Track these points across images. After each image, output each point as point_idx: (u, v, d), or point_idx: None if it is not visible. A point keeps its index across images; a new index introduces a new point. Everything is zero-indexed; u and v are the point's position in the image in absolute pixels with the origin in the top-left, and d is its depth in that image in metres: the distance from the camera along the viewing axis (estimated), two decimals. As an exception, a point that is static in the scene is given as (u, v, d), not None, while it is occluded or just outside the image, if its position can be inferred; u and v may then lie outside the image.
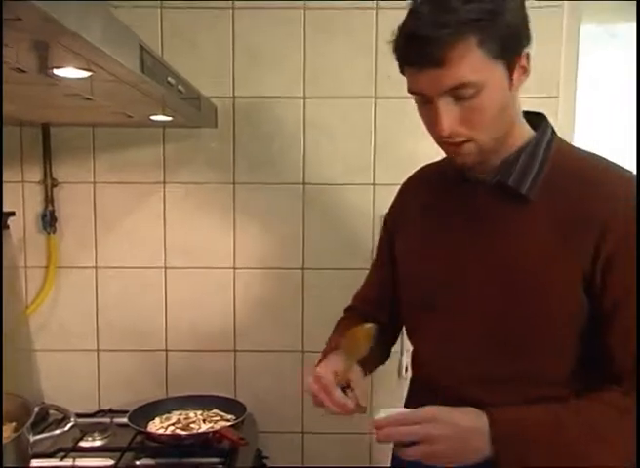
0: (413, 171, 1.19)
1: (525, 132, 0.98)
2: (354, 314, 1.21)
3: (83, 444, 1.47)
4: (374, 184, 1.67)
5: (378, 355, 1.15)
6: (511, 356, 0.95)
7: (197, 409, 1.59)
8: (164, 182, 1.69)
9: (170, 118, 1.40)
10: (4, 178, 1.65)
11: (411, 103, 0.96)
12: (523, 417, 0.89)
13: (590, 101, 1.71)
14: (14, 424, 1.17)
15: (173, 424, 1.51)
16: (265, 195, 1.68)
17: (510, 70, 0.88)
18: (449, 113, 0.87)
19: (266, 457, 1.63)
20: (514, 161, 0.96)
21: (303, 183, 1.68)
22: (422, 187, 1.13)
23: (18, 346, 1.66)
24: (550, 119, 1.01)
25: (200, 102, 1.43)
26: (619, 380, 0.89)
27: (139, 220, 1.70)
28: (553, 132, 1.00)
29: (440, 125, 0.88)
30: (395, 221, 1.16)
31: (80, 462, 1.38)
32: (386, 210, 1.21)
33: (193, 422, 1.52)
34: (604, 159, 0.97)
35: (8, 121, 1.60)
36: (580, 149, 1.01)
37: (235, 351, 1.74)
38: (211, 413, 1.57)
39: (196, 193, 1.69)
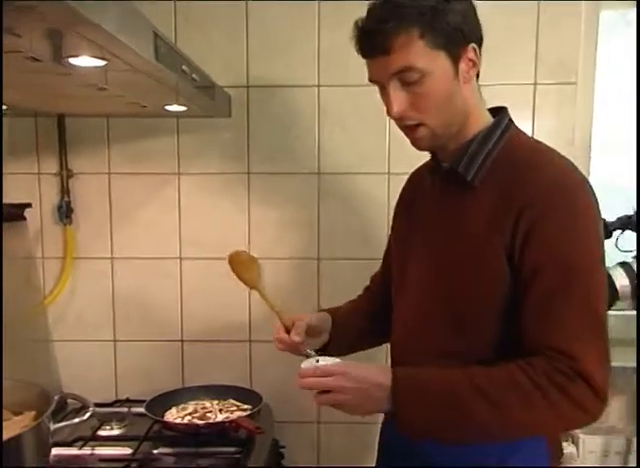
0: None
1: (483, 121, 1.04)
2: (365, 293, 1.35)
3: (101, 433, 1.49)
4: (389, 173, 1.66)
5: (362, 327, 1.27)
6: (456, 333, 1.01)
7: (213, 399, 1.59)
8: (179, 173, 1.69)
9: (184, 108, 1.40)
10: (20, 170, 1.67)
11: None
12: (423, 377, 0.96)
13: (608, 88, 1.69)
14: (34, 413, 1.18)
15: (189, 414, 1.52)
16: (280, 184, 1.67)
17: (455, 61, 0.96)
18: (398, 97, 0.97)
19: (283, 447, 1.64)
20: (466, 148, 1.02)
21: (318, 173, 1.67)
22: (421, 180, 1.19)
23: (36, 336, 1.68)
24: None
25: (214, 91, 1.43)
26: (528, 353, 0.92)
27: (154, 211, 1.71)
28: (510, 121, 1.05)
29: (391, 106, 0.98)
30: (395, 211, 1.26)
31: (99, 450, 1.39)
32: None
33: (210, 412, 1.53)
34: (548, 149, 1.02)
35: (23, 112, 1.61)
36: (531, 139, 1.05)
37: (251, 341, 1.74)
38: (227, 403, 1.58)
39: (211, 183, 1.69)
